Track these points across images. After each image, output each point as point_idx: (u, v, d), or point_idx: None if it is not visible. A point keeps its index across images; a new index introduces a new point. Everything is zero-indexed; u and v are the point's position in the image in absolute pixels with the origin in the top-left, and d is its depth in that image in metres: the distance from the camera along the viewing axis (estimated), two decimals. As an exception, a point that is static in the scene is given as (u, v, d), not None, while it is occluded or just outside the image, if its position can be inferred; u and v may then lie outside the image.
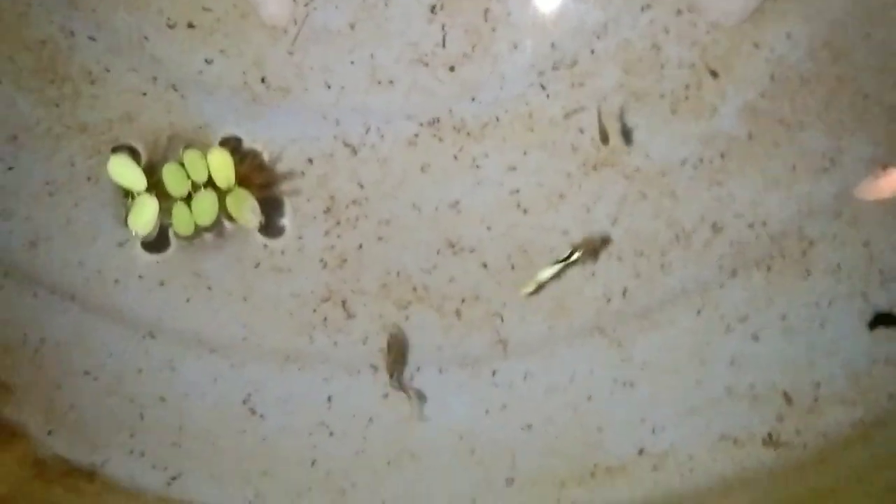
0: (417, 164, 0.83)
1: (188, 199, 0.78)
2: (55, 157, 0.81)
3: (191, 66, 0.82)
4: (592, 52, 0.79)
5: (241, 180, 0.79)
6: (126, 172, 0.78)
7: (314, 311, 0.82)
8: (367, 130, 0.82)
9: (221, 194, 0.78)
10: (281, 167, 0.83)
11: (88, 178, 0.85)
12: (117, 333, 0.80)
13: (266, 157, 0.83)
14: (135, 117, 0.84)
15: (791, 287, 0.80)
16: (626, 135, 0.77)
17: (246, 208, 0.78)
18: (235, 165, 0.78)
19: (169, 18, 0.81)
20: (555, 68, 0.79)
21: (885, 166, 0.75)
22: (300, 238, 0.83)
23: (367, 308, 0.82)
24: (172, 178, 0.77)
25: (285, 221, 0.81)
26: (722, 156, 0.80)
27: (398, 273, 0.82)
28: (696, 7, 0.76)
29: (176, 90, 0.83)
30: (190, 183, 0.78)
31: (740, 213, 0.81)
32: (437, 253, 0.82)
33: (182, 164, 0.78)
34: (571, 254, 0.76)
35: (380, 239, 0.83)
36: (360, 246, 0.83)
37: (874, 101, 0.77)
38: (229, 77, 0.82)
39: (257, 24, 0.80)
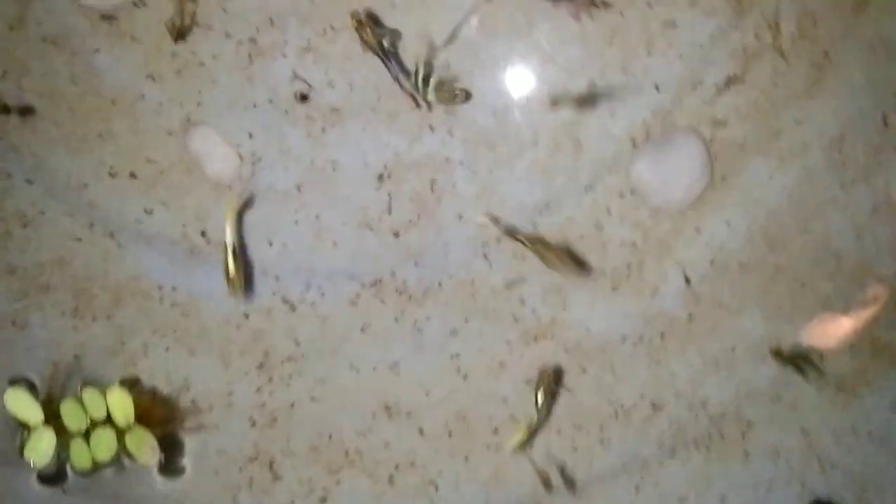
0: (357, 324, 0.81)
1: (87, 435, 0.76)
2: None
3: (130, 216, 0.81)
4: (535, 227, 0.79)
5: (141, 416, 0.77)
6: (22, 405, 0.76)
7: (240, 470, 0.79)
8: (308, 288, 0.81)
9: (120, 432, 0.76)
10: (213, 318, 0.80)
11: (13, 323, 0.81)
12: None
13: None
14: (68, 262, 0.81)
15: (730, 469, 0.79)
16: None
17: (145, 447, 0.76)
18: (135, 399, 0.77)
19: (111, 167, 0.80)
20: (498, 240, 0.79)
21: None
22: (230, 394, 0.80)
23: (295, 471, 0.79)
24: (70, 414, 0.76)
25: (185, 461, 0.79)
26: (662, 335, 0.80)
27: (331, 435, 0.80)
28: (639, 192, 0.77)
29: (113, 238, 0.81)
30: (88, 419, 0.76)
31: (680, 392, 0.80)
32: (373, 416, 0.80)
33: (80, 401, 0.76)
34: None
35: (313, 399, 0.80)
36: (293, 405, 0.80)
37: (810, 289, 0.78)
38: (169, 228, 0.81)
39: (201, 179, 0.79)
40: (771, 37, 0.76)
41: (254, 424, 0.80)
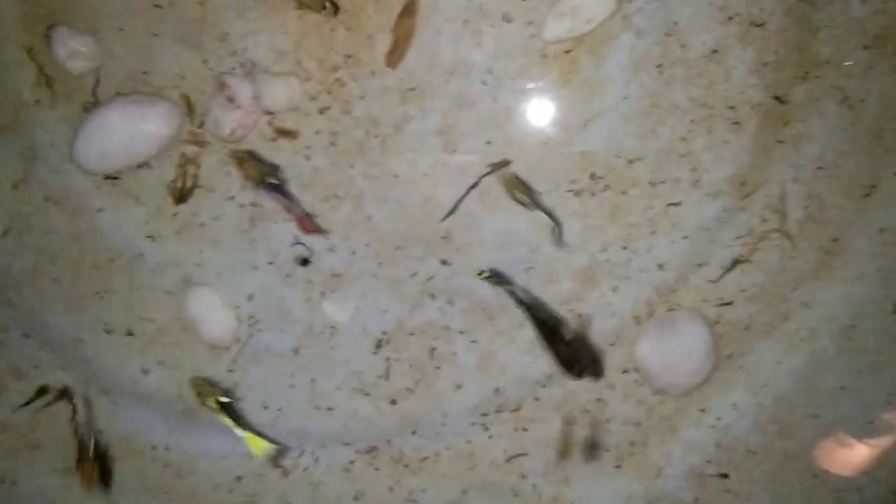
0: (350, 492, 0.79)
1: None
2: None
3: (125, 374, 0.80)
4: (537, 399, 0.77)
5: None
6: None
7: None
8: (301, 453, 0.79)
9: None
10: (206, 480, 0.79)
11: (2, 480, 0.80)
12: None
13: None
14: (61, 419, 0.80)
15: None
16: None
17: None
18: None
19: (107, 324, 0.79)
20: (498, 411, 0.77)
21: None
22: (222, 563, 0.78)
23: None
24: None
25: None
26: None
27: None
28: (642, 372, 0.75)
29: (107, 395, 0.80)
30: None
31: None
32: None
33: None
34: None
35: (305, 568, 0.78)
36: (287, 577, 0.78)
37: (822, 481, 0.75)
38: (164, 388, 0.80)
39: (198, 339, 0.78)
40: (777, 220, 0.74)
41: (243, 593, 0.77)
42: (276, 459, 0.76)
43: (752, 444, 0.76)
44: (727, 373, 0.76)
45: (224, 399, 0.73)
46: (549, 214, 0.72)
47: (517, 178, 0.72)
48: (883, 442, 0.74)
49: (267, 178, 0.72)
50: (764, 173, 0.75)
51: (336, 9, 0.73)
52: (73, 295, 0.80)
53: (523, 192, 0.71)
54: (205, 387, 0.74)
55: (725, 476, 0.75)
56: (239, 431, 0.73)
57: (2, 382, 0.81)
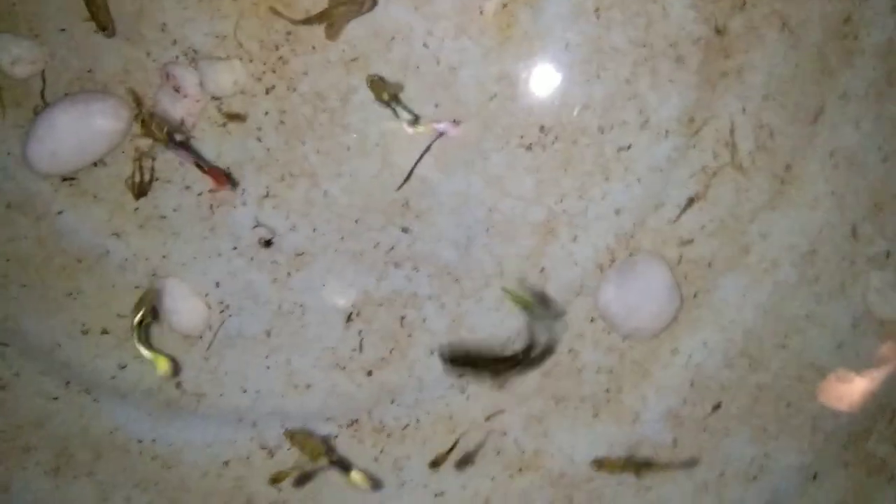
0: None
1: None
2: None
3: (104, 371, 0.80)
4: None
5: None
6: None
7: None
8: (285, 433, 0.79)
9: None
10: (194, 468, 0.79)
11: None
12: None
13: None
14: (45, 422, 0.81)
15: None
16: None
17: None
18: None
19: (83, 325, 0.80)
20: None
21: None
22: (217, 547, 0.79)
23: None
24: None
25: None
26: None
27: (318, 584, 0.78)
28: (607, 320, 0.75)
29: (89, 394, 0.81)
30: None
31: (672, 519, 0.78)
32: (357, 560, 0.78)
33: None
34: None
35: (299, 548, 0.78)
36: (280, 556, 0.78)
37: (796, 409, 0.75)
38: (143, 382, 0.80)
39: (171, 330, 0.79)
40: (729, 153, 0.74)
41: (241, 575, 0.78)
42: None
43: (724, 380, 0.76)
44: (694, 311, 0.76)
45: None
46: (410, 111, 0.71)
47: (381, 79, 0.71)
48: (853, 365, 0.74)
49: (173, 134, 0.71)
50: (711, 108, 0.74)
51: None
52: (45, 299, 0.80)
53: (391, 92, 0.70)
54: None
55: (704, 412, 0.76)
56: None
57: (-16, 392, 0.81)
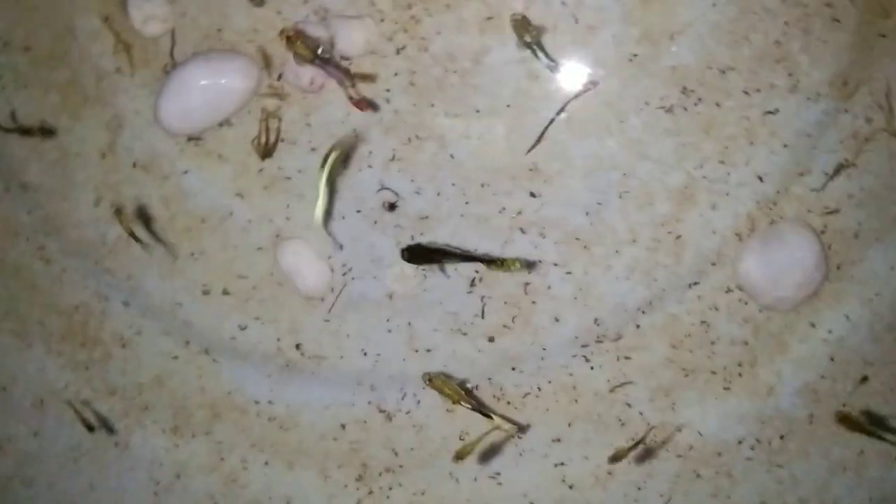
0: (455, 433, 0.79)
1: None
2: (82, 422, 0.79)
3: (224, 332, 0.81)
4: (638, 326, 0.76)
5: None
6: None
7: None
8: (404, 397, 0.79)
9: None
10: (310, 431, 0.79)
11: (116, 444, 0.82)
12: None
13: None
14: (165, 381, 0.82)
15: (863, 579, 0.74)
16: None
17: None
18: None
19: (204, 285, 0.80)
20: (598, 341, 0.76)
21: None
22: (330, 509, 0.79)
23: (401, 589, 0.77)
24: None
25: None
26: (782, 437, 0.75)
27: (433, 549, 0.78)
28: (747, 290, 0.73)
29: (208, 354, 0.81)
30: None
31: (804, 498, 0.75)
32: (477, 528, 0.77)
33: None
34: None
35: (415, 510, 0.78)
36: (394, 517, 0.78)
37: (944, 387, 0.73)
38: (263, 343, 0.81)
39: (293, 292, 0.79)
40: (884, 118, 0.71)
41: (355, 539, 0.78)
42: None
43: (868, 355, 0.74)
44: (836, 284, 0.73)
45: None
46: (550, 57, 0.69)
47: (526, 18, 0.69)
48: None
49: (320, 52, 0.70)
50: (866, 71, 0.71)
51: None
52: (168, 259, 0.81)
53: (534, 34, 0.68)
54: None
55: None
56: None
57: (107, 351, 0.82)
